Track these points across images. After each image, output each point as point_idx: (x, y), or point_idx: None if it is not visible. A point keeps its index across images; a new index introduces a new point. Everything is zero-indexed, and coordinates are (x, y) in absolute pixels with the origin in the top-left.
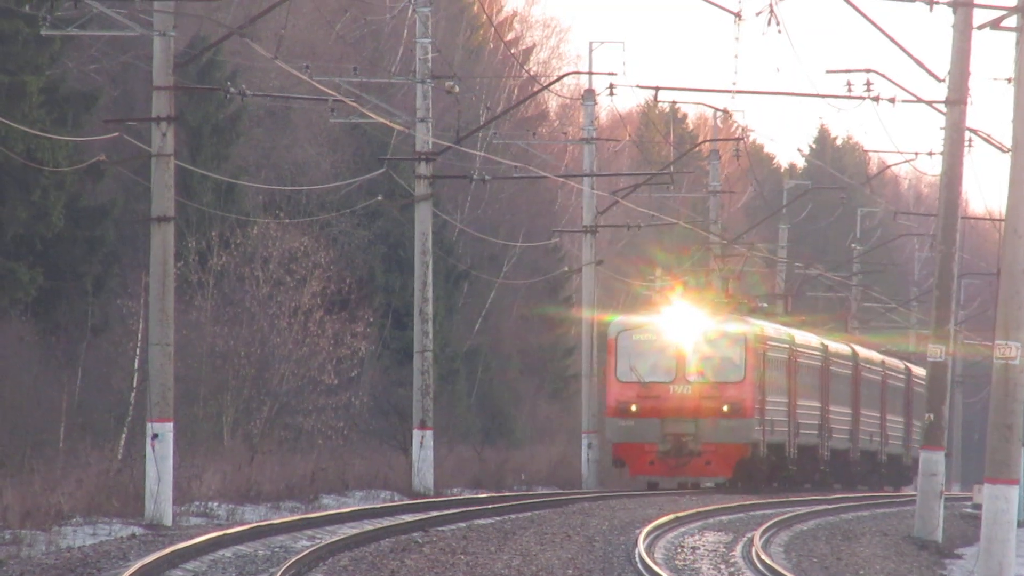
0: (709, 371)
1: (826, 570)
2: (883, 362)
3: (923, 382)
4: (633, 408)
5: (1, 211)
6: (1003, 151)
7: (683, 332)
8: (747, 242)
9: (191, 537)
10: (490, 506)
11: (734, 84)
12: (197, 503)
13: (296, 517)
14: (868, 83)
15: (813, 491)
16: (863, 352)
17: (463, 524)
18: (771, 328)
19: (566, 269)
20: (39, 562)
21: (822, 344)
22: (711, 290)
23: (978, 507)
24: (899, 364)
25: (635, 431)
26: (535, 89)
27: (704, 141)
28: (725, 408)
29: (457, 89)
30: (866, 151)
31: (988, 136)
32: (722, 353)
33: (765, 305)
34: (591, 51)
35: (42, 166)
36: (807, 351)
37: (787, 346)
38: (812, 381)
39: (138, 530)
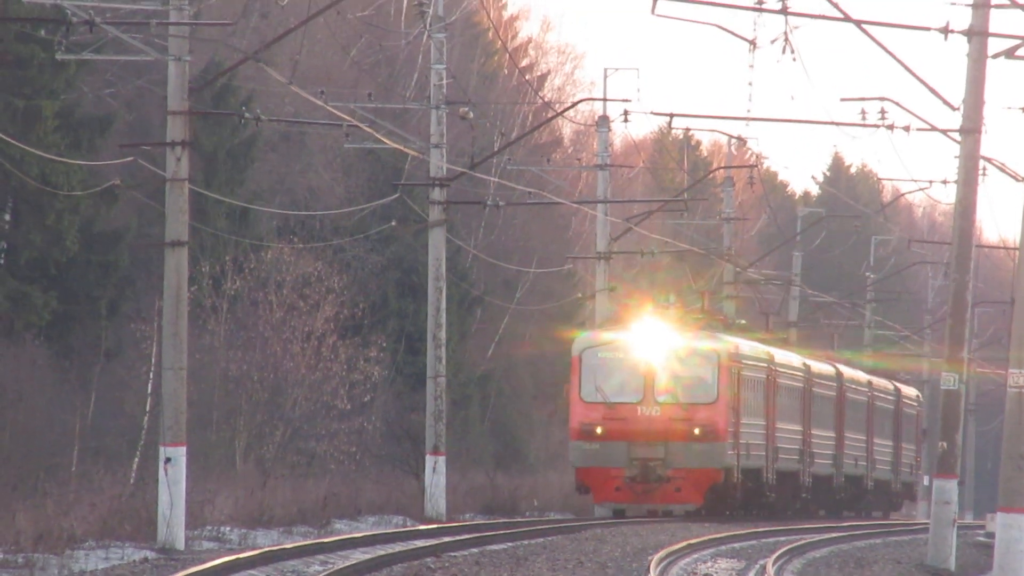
0: (679, 391)
1: None
2: (870, 383)
3: (913, 403)
4: (598, 430)
5: (15, 235)
6: (1017, 180)
7: (652, 349)
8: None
9: (203, 561)
10: (502, 532)
11: (748, 111)
12: (209, 527)
13: (308, 542)
14: (883, 111)
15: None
16: (848, 372)
17: (475, 550)
18: (747, 346)
19: (579, 295)
20: None
21: (804, 364)
22: (682, 306)
23: (991, 535)
24: (887, 384)
25: (600, 455)
26: (549, 115)
27: (718, 168)
28: (696, 431)
29: (472, 115)
30: (880, 179)
31: (1003, 165)
32: (693, 372)
33: (743, 322)
34: (606, 77)
35: (57, 190)
36: (787, 371)
37: (765, 365)
38: (792, 402)
39: (150, 554)
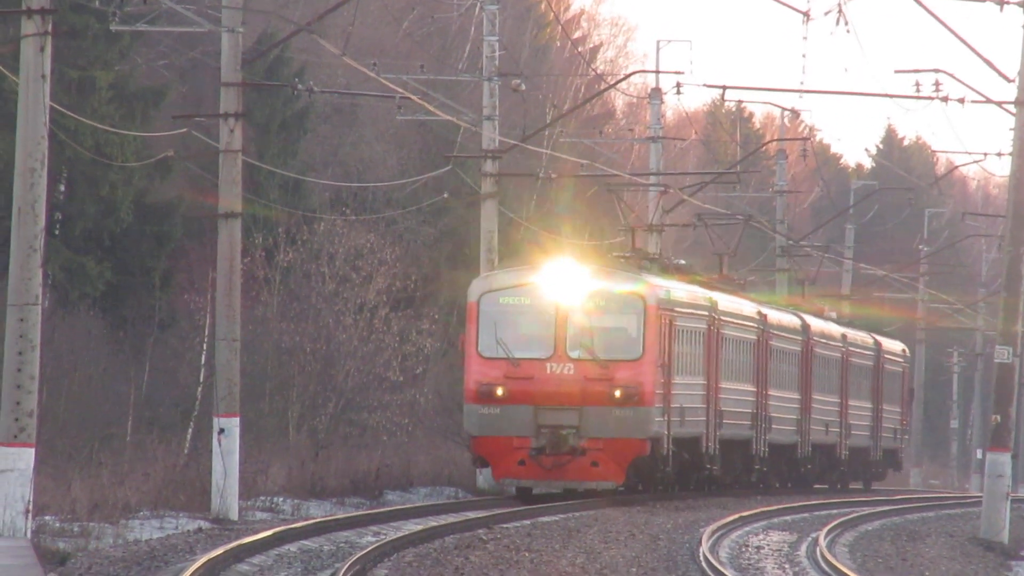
0: (597, 345)
1: (891, 571)
2: (844, 336)
3: (898, 359)
4: (499, 392)
5: (70, 206)
6: None
7: (564, 294)
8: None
9: (257, 531)
10: (554, 503)
11: (802, 83)
12: (263, 498)
13: (361, 513)
14: (937, 83)
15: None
16: (817, 324)
17: (527, 521)
18: (682, 290)
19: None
20: (107, 555)
21: (758, 313)
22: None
23: None
24: (866, 338)
25: (500, 422)
26: (601, 87)
27: (771, 141)
28: (617, 393)
29: (524, 87)
30: (934, 152)
31: None
32: (614, 322)
33: (682, 261)
34: (658, 50)
35: (111, 161)
36: (734, 320)
37: (705, 313)
38: (742, 358)
39: (204, 524)
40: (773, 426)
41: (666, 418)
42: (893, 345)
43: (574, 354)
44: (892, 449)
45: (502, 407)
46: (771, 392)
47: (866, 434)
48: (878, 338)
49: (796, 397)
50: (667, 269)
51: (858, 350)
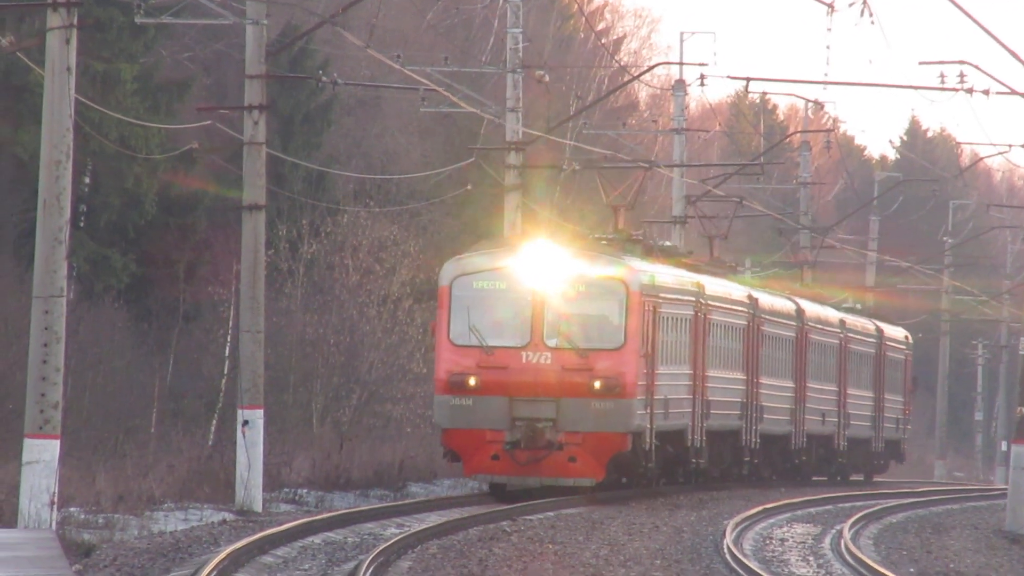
0: (576, 333)
1: (916, 563)
2: (842, 322)
3: (900, 346)
4: (471, 382)
5: (95, 198)
6: None
7: (542, 279)
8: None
9: (281, 523)
10: (577, 495)
11: (826, 75)
12: (287, 490)
13: (385, 505)
14: (962, 75)
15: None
16: (812, 309)
17: (551, 513)
18: (667, 274)
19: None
20: (131, 546)
21: (748, 297)
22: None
23: None
24: (867, 324)
25: (473, 414)
26: (625, 79)
27: (795, 132)
28: (596, 384)
29: (547, 79)
30: (958, 143)
31: None
32: (594, 308)
33: (668, 244)
34: (682, 41)
35: (135, 153)
36: (723, 305)
37: (692, 299)
38: (731, 345)
39: (229, 516)
40: (765, 416)
41: (649, 411)
42: (895, 332)
43: (551, 342)
44: (894, 440)
45: (475, 398)
46: (763, 380)
47: (866, 424)
48: (880, 324)
49: (790, 385)
50: (651, 251)
51: (857, 336)
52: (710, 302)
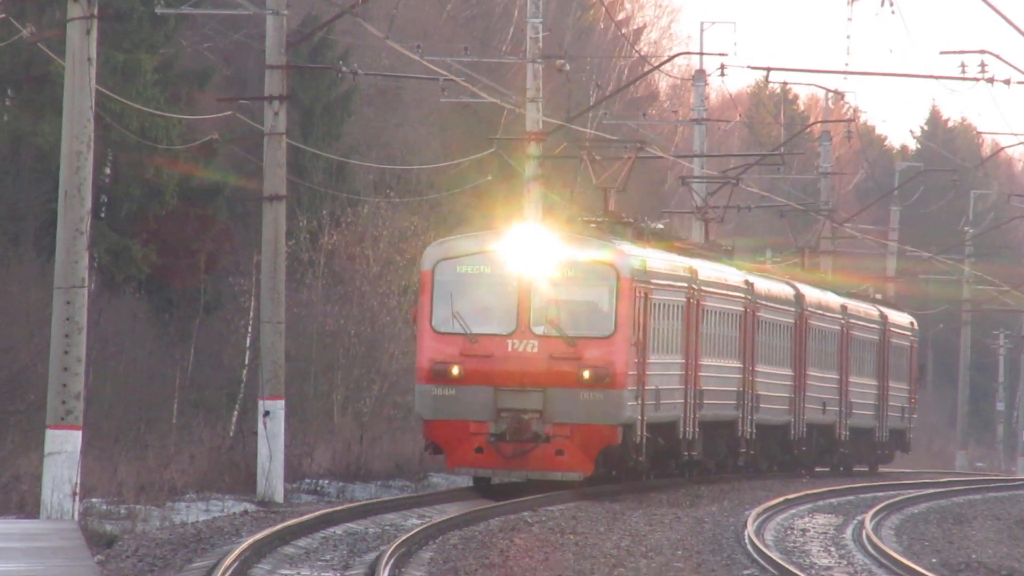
0: (564, 320)
1: (938, 553)
2: (844, 307)
3: (906, 333)
4: (454, 371)
5: (115, 188)
6: None
7: (529, 263)
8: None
9: (302, 514)
10: (599, 487)
11: (846, 65)
12: (308, 481)
13: (406, 495)
14: (983, 64)
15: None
16: (813, 294)
17: (572, 504)
18: (659, 259)
19: None
20: (153, 537)
21: (745, 282)
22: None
23: None
24: (870, 310)
25: (456, 404)
26: (646, 69)
27: (815, 122)
28: (586, 374)
29: (567, 69)
30: (979, 133)
31: None
32: (583, 294)
33: (661, 226)
34: (702, 31)
35: (156, 144)
36: (717, 291)
37: (684, 284)
38: (726, 332)
39: (250, 507)
40: (762, 405)
41: (640, 402)
42: (900, 318)
43: (538, 330)
44: (899, 430)
45: (458, 388)
46: (759, 368)
47: (870, 413)
48: (884, 310)
49: (788, 373)
50: (642, 235)
51: (860, 323)
52: (703, 288)
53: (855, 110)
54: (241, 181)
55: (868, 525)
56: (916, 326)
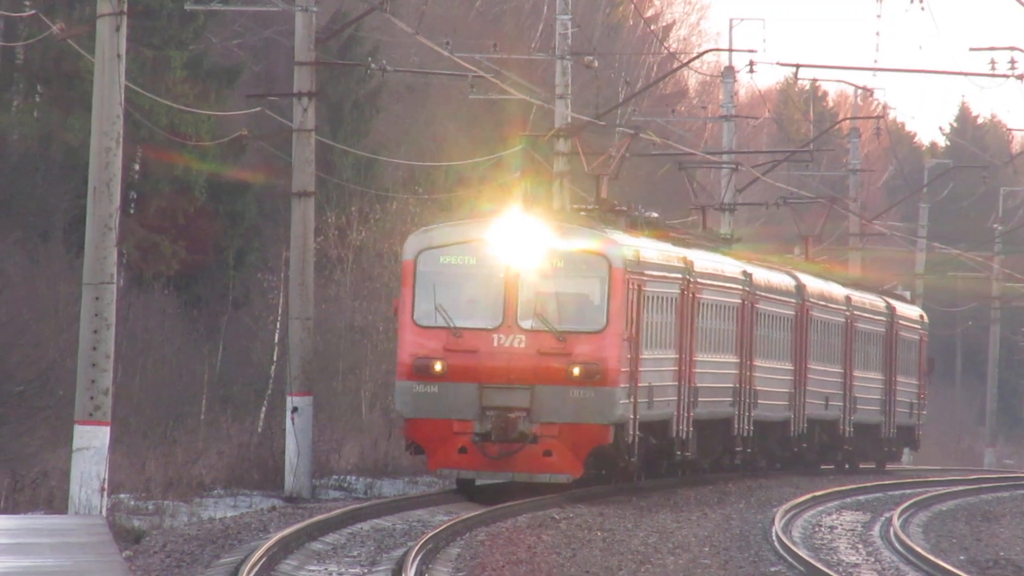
0: (553, 313)
1: (966, 551)
2: (848, 299)
3: (915, 326)
4: (437, 367)
5: (144, 185)
6: None
7: (516, 254)
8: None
9: (330, 510)
10: (626, 484)
11: (875, 62)
12: (336, 476)
13: (433, 492)
14: (1012, 61)
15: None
16: (815, 285)
17: (600, 500)
18: (653, 249)
19: None
20: (181, 533)
21: (743, 273)
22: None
23: None
24: (876, 302)
25: (438, 402)
26: (675, 66)
27: (844, 119)
28: (576, 371)
29: (596, 65)
30: (1009, 129)
31: None
32: (574, 287)
33: (655, 215)
34: (731, 28)
35: (185, 140)
36: (714, 283)
37: (679, 276)
38: (723, 326)
39: (278, 502)
40: (760, 401)
41: (632, 400)
42: (909, 310)
43: (526, 324)
44: (908, 426)
45: (441, 385)
46: (757, 363)
47: (876, 409)
48: (891, 302)
49: (789, 368)
50: (635, 223)
51: (866, 315)
52: (699, 279)
53: (884, 107)
54: (270, 177)
55: (896, 522)
56: (926, 319)
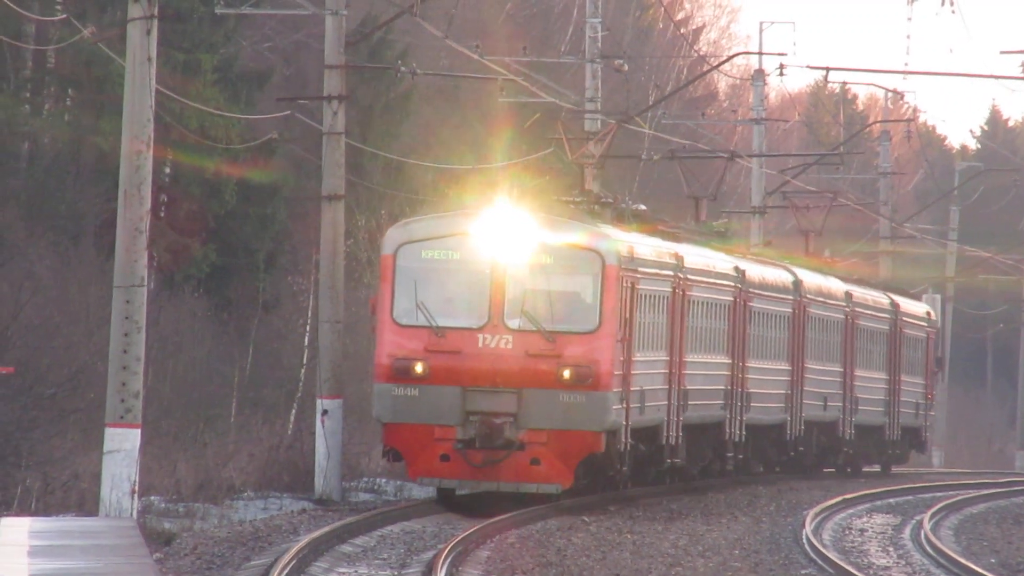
0: (542, 313)
1: (997, 554)
2: (849, 295)
3: (921, 324)
4: (418, 369)
5: (175, 188)
6: None
7: (503, 249)
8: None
9: (360, 512)
10: (655, 487)
11: (906, 65)
12: (366, 479)
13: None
14: None
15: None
16: (813, 280)
17: (630, 503)
18: (646, 245)
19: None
20: (211, 535)
21: (735, 269)
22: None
23: None
24: (879, 298)
25: (419, 406)
26: (704, 69)
27: (874, 122)
28: (566, 374)
29: (626, 68)
30: None
31: None
32: (565, 284)
33: (643, 207)
34: (761, 31)
35: (215, 143)
36: (705, 280)
37: (670, 273)
38: (715, 325)
39: (308, 505)
40: (753, 404)
41: (625, 405)
42: (915, 307)
43: (513, 324)
44: (913, 427)
45: (421, 388)
46: (751, 363)
47: (879, 410)
48: (896, 298)
49: (784, 368)
50: (623, 216)
51: (867, 312)
52: (690, 276)
53: (915, 110)
54: (300, 181)
55: (926, 525)
56: (933, 316)
